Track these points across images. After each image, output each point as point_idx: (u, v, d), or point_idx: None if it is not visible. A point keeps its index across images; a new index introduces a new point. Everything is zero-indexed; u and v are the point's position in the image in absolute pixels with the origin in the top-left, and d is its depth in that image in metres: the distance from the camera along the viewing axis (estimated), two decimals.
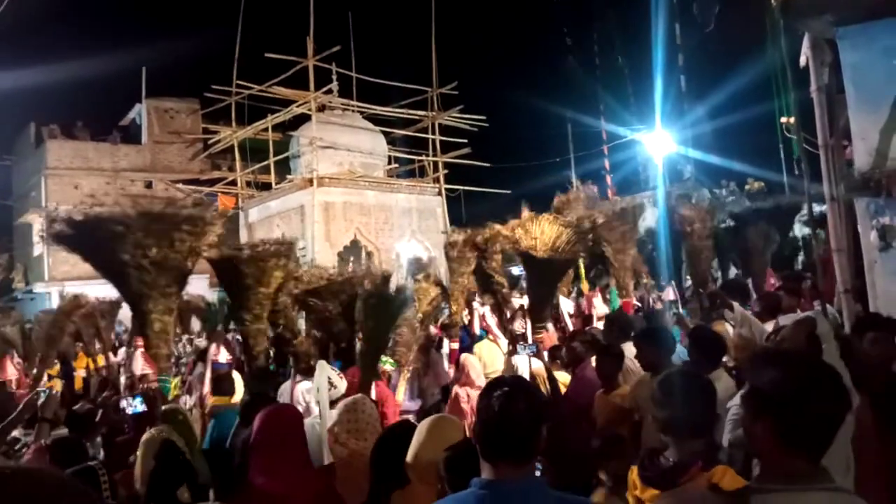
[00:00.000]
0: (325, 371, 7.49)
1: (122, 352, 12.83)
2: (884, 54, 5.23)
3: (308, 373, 6.20)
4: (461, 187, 24.69)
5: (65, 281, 24.20)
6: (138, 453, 3.67)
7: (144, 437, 3.75)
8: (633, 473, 2.51)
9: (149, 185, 27.21)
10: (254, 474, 2.49)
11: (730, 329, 5.33)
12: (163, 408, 4.52)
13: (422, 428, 2.51)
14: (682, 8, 20.29)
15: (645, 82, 21.42)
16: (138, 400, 4.79)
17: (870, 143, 5.29)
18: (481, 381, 5.70)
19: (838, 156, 5.84)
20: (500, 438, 1.80)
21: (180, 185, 26.74)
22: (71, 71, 23.55)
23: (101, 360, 13.72)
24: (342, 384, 7.14)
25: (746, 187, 19.40)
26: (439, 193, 24.30)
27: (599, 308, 8.78)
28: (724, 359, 4.38)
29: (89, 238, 6.23)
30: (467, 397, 5.63)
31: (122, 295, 6.80)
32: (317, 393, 7.16)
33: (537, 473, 2.02)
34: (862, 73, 5.37)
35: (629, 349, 5.18)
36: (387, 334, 6.83)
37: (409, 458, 2.43)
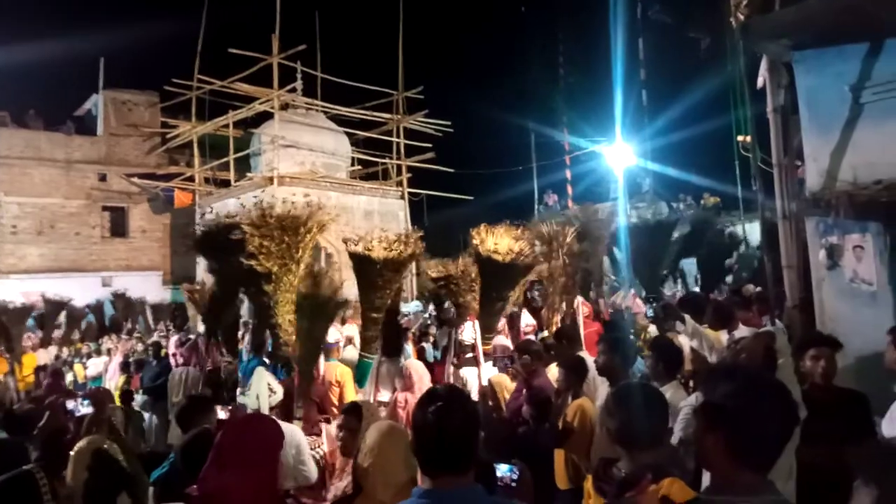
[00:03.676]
0: (265, 378, 7.44)
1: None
2: (836, 79, 5.42)
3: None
4: (424, 192, 24.67)
5: (10, 274, 23.42)
6: (68, 467, 3.50)
7: (74, 449, 3.57)
8: (588, 483, 2.53)
9: (103, 178, 26.50)
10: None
11: (683, 340, 5.43)
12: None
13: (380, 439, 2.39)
14: (644, 23, 20.70)
15: (607, 95, 21.74)
16: (85, 402, 4.66)
17: (821, 164, 5.47)
18: (422, 385, 5.69)
19: (791, 175, 6.02)
20: (437, 453, 1.81)
21: (135, 179, 26.14)
22: (24, 56, 22.73)
23: (32, 360, 13.29)
24: (280, 389, 7.13)
25: (702, 202, 19.90)
26: (402, 197, 24.22)
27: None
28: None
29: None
30: (405, 402, 5.64)
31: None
32: (256, 399, 7.11)
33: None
34: (815, 97, 5.55)
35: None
36: (323, 335, 6.64)
37: (368, 464, 2.31)
